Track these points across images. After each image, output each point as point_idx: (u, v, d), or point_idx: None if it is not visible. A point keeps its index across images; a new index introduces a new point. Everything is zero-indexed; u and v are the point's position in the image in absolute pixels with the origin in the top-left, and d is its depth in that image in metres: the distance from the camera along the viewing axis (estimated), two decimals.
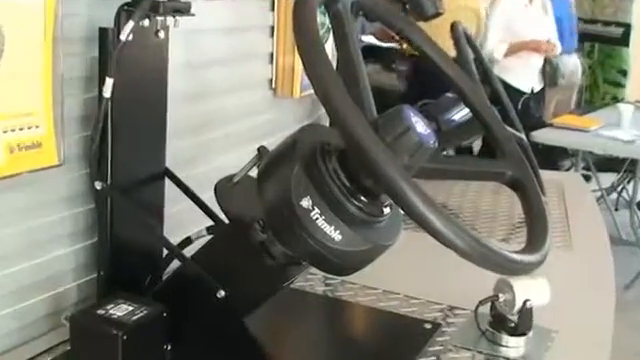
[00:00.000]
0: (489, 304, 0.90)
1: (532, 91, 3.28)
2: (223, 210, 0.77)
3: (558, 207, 1.48)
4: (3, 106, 0.71)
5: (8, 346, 0.79)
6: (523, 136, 1.34)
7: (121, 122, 0.82)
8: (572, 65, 3.69)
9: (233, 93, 1.13)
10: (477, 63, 1.32)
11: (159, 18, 0.84)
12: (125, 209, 0.84)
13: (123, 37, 0.78)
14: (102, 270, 0.85)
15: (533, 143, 2.67)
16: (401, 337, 0.94)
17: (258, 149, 0.75)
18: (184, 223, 0.91)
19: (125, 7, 0.79)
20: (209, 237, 0.82)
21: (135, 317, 0.73)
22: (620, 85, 4.67)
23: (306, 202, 0.63)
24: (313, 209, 0.63)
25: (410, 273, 1.10)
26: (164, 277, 0.87)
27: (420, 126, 0.64)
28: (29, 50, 0.72)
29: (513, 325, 0.89)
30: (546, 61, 3.30)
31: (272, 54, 1.22)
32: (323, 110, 1.34)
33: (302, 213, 0.63)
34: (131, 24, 0.78)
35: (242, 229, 0.73)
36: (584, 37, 4.11)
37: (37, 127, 0.74)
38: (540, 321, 0.90)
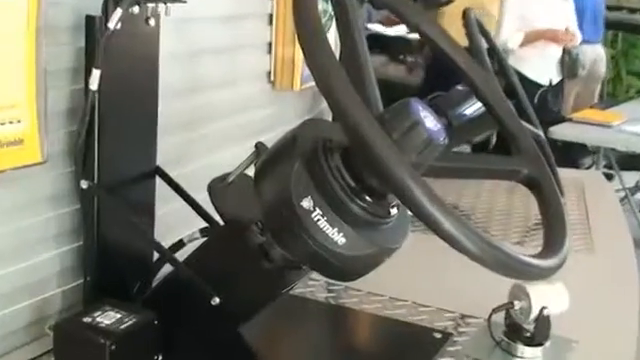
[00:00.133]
0: (503, 312, 0.90)
1: (550, 83, 3.28)
2: (218, 211, 0.77)
3: (578, 208, 1.48)
4: None
5: None
6: (540, 132, 1.33)
7: (109, 116, 0.82)
8: (595, 55, 3.68)
9: (229, 86, 1.13)
10: (491, 53, 1.32)
11: (149, 5, 0.84)
12: (113, 210, 0.84)
13: (111, 25, 0.78)
14: (88, 275, 0.85)
15: (551, 139, 2.67)
16: (409, 347, 0.94)
17: (255, 145, 0.75)
18: (176, 225, 0.91)
19: None
20: (203, 240, 0.83)
21: (124, 325, 0.73)
22: None
23: (307, 202, 0.63)
24: (314, 210, 0.63)
25: (418, 279, 1.10)
26: (155, 283, 0.88)
27: (429, 121, 0.64)
28: (10, 40, 0.72)
29: (529, 335, 0.89)
30: (565, 51, 3.30)
31: (271, 44, 1.22)
32: (325, 104, 1.34)
33: (303, 214, 0.63)
34: (119, 12, 0.78)
35: (238, 231, 0.73)
36: (607, 25, 4.09)
37: (19, 122, 0.74)
38: (558, 330, 0.90)
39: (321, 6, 0.63)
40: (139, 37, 0.85)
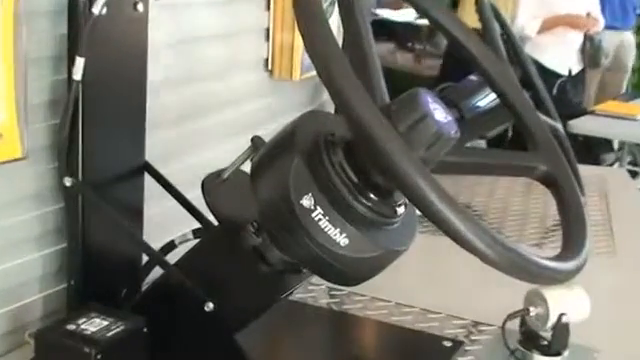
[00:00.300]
0: (518, 319, 0.90)
1: (570, 73, 3.27)
2: (211, 210, 0.77)
3: (599, 208, 1.48)
4: None
5: None
6: (559, 125, 1.33)
7: (94, 109, 0.82)
8: (620, 42, 3.67)
9: (223, 75, 1.13)
10: (506, 40, 1.31)
11: None
12: (99, 209, 0.85)
13: (96, 10, 0.78)
14: (73, 279, 0.86)
15: (571, 134, 2.67)
16: (417, 357, 0.94)
17: (252, 140, 0.76)
18: (167, 225, 0.91)
19: None
20: (195, 241, 0.83)
21: (111, 333, 0.73)
22: None
23: (307, 201, 0.64)
24: (315, 208, 0.63)
25: (427, 283, 1.10)
26: (144, 287, 0.88)
27: (439, 113, 0.64)
28: None
29: (546, 343, 0.89)
30: (586, 38, 3.29)
31: (268, 30, 1.22)
32: (327, 95, 1.34)
33: (302, 213, 0.64)
34: None
35: (233, 232, 0.73)
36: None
37: None
38: (578, 339, 0.90)
39: None
40: (126, 23, 0.85)
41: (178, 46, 1.02)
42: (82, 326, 0.74)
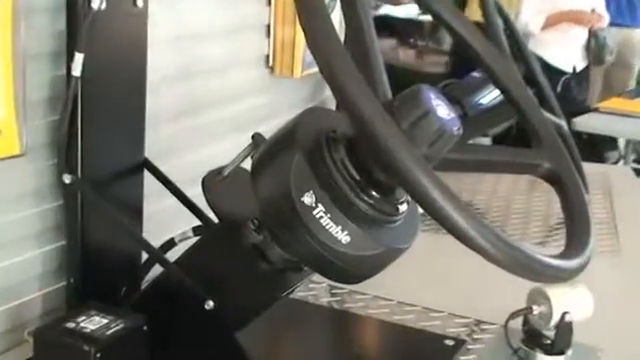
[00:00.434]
0: (521, 318, 0.90)
1: (574, 70, 3.27)
2: (212, 207, 0.77)
3: (603, 206, 1.48)
4: None
5: None
6: (563, 123, 1.33)
7: (93, 105, 0.82)
8: (625, 39, 3.65)
9: (223, 72, 1.13)
10: (509, 37, 1.31)
11: None
12: (98, 206, 0.85)
13: (95, 5, 0.78)
14: (72, 277, 0.86)
15: (575, 131, 2.67)
16: (419, 356, 0.94)
17: (253, 137, 0.76)
18: (167, 223, 0.91)
19: None
20: (196, 239, 0.83)
21: (110, 331, 0.74)
22: None
23: (308, 198, 0.64)
24: (316, 206, 0.63)
25: (429, 281, 1.10)
26: (144, 285, 0.88)
27: (442, 110, 0.64)
28: None
29: (549, 342, 0.89)
30: (591, 34, 3.28)
31: (269, 26, 1.22)
32: (329, 92, 1.33)
33: (304, 210, 0.64)
34: None
35: (234, 229, 0.73)
36: None
37: None
38: (581, 338, 0.90)
39: None
40: (126, 19, 0.85)
41: (178, 42, 1.02)
42: (81, 324, 0.74)
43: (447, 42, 3.55)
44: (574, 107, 3.02)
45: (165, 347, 0.78)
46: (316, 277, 0.78)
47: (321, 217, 0.64)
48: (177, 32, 1.01)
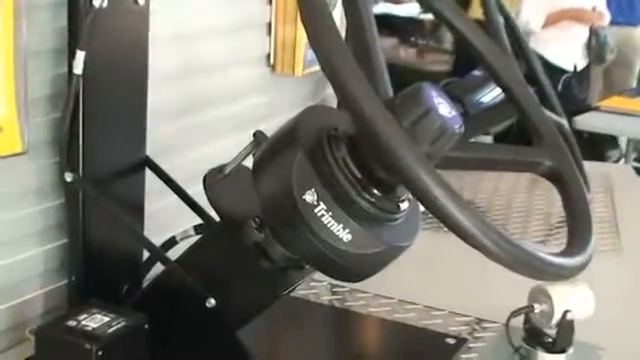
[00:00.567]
0: (522, 316, 0.90)
1: (575, 69, 3.27)
2: (213, 206, 0.77)
3: (605, 204, 1.48)
4: None
5: None
6: (564, 121, 1.33)
7: (95, 103, 0.83)
8: (626, 38, 3.65)
9: (225, 70, 1.13)
10: (510, 35, 1.31)
11: None
12: (99, 204, 0.85)
13: (96, 3, 0.78)
14: (73, 275, 0.86)
15: (576, 130, 2.67)
16: (420, 354, 0.94)
17: (254, 135, 0.76)
18: (168, 221, 0.91)
19: None
20: (197, 237, 0.83)
21: (112, 329, 0.74)
22: None
23: (310, 196, 0.64)
24: (318, 204, 0.64)
25: (430, 280, 1.10)
26: (145, 283, 0.88)
27: (443, 108, 0.64)
28: None
29: (551, 340, 0.89)
30: (592, 33, 3.28)
31: (270, 24, 1.22)
32: (330, 91, 1.33)
33: (305, 208, 0.64)
34: None
35: (235, 228, 0.73)
36: None
37: None
38: (583, 336, 0.90)
39: None
40: (127, 16, 0.85)
41: (179, 40, 1.02)
42: (83, 322, 0.74)
43: (448, 41, 3.55)
44: (575, 106, 3.02)
45: (166, 345, 0.78)
46: (317, 275, 0.78)
47: (322, 215, 0.64)
48: (178, 30, 1.01)
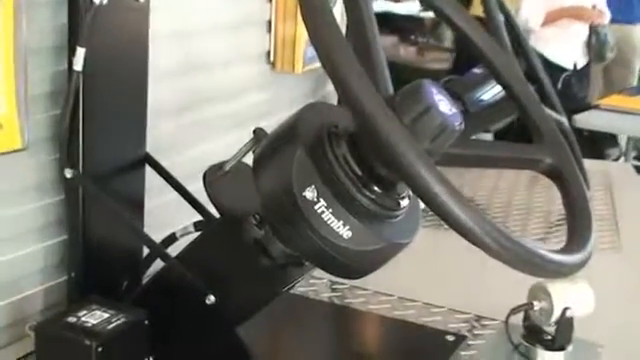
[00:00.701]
0: (522, 313, 0.91)
1: (575, 67, 3.26)
2: (213, 202, 0.77)
3: (604, 202, 1.48)
4: None
5: None
6: (564, 119, 1.33)
7: (95, 100, 0.82)
8: (626, 36, 3.64)
9: (225, 67, 1.13)
10: (510, 33, 1.31)
11: None
12: (99, 201, 0.85)
13: (97, 0, 0.78)
14: (73, 271, 0.86)
15: (576, 128, 2.67)
16: (420, 351, 0.94)
17: (254, 132, 0.76)
18: (168, 218, 0.91)
19: None
20: (197, 234, 0.83)
21: (112, 325, 0.74)
22: None
23: (310, 193, 0.64)
24: (318, 201, 0.63)
25: (430, 277, 1.10)
26: (145, 280, 0.88)
27: (444, 105, 0.64)
28: None
29: (550, 338, 0.89)
30: (592, 31, 3.27)
31: (270, 21, 1.21)
32: (330, 88, 1.33)
33: (305, 205, 0.64)
34: None
35: (235, 224, 0.73)
36: None
37: None
38: (582, 334, 0.90)
39: None
40: (127, 13, 0.85)
41: (179, 37, 1.02)
42: (83, 318, 0.74)
43: (448, 39, 3.55)
44: (575, 104, 3.01)
45: (166, 341, 0.78)
46: (317, 272, 0.78)
47: (323, 212, 0.64)
48: (178, 27, 1.01)
